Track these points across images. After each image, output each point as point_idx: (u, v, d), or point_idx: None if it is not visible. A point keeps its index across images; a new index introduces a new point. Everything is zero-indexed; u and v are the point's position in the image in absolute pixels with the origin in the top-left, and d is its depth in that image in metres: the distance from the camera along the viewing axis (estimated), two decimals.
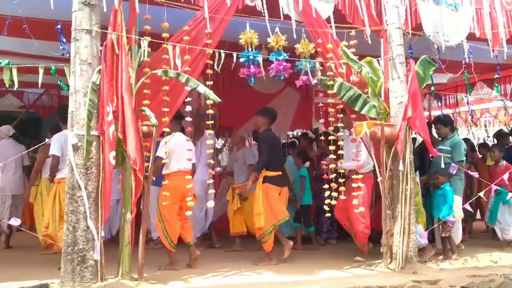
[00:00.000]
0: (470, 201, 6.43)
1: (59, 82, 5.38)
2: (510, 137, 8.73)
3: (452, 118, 9.27)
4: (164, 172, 5.22)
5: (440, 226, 5.91)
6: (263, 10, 4.91)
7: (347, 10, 5.36)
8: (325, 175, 5.63)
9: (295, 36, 5.12)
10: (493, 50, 6.03)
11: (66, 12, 4.45)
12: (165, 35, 4.77)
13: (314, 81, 5.40)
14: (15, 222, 4.83)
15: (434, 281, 4.82)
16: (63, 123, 5.64)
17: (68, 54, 4.61)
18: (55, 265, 4.70)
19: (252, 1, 4.95)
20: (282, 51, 5.21)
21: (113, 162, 4.32)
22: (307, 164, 7.24)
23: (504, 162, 7.13)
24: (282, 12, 5.07)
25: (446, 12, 5.81)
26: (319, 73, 5.52)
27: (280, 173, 5.98)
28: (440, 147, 6.24)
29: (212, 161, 5.45)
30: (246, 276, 5.05)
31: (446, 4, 5.81)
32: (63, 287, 4.25)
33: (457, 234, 6.20)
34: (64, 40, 5.03)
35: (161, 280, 4.67)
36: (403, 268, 5.11)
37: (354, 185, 5.60)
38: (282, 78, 5.33)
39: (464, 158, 6.39)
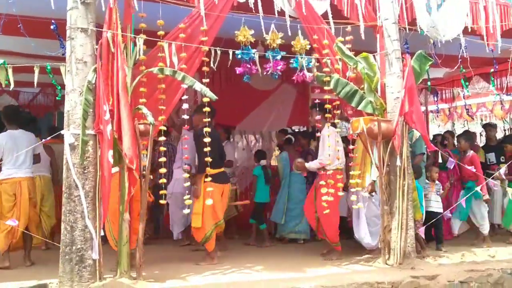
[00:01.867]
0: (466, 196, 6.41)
1: (53, 81, 5.35)
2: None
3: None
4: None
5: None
6: (256, 6, 4.88)
7: (343, 6, 5.36)
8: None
9: (290, 33, 5.10)
10: (488, 45, 6.03)
11: (61, 10, 4.42)
12: (160, 32, 4.75)
13: (309, 76, 5.36)
14: (13, 222, 4.81)
15: (432, 276, 4.84)
16: (8, 124, 5.60)
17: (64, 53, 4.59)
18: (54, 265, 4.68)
19: None
20: (278, 50, 5.17)
21: (112, 160, 4.31)
22: (263, 162, 7.23)
23: (470, 152, 6.63)
24: (277, 8, 5.06)
25: (442, 6, 5.80)
26: (315, 69, 5.51)
27: (222, 170, 5.77)
28: None
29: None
30: (244, 274, 5.05)
31: None
32: (61, 287, 4.24)
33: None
34: (63, 40, 5.00)
35: (160, 278, 4.66)
36: (401, 263, 5.13)
37: (321, 182, 5.63)
38: (277, 77, 5.32)
39: (425, 151, 6.24)
